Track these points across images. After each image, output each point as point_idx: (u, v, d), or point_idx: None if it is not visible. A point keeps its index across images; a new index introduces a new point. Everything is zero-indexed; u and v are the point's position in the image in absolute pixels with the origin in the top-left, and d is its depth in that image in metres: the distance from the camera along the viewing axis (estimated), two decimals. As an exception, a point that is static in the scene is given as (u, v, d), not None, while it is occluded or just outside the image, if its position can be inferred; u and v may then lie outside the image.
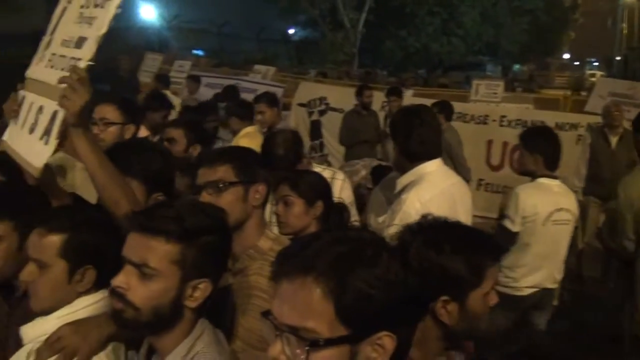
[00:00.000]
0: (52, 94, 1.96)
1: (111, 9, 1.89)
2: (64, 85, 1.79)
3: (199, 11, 23.78)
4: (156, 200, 1.99)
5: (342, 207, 2.83)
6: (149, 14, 20.14)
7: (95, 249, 1.62)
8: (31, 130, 2.04)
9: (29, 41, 2.37)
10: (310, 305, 1.01)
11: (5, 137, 2.26)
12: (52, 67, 2.11)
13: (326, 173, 3.10)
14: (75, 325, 1.54)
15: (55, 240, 1.60)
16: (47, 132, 1.91)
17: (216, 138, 4.76)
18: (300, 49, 29.50)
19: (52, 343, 1.50)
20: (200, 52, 18.40)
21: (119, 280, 1.38)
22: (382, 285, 1.02)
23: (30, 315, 1.68)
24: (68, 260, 1.60)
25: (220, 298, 1.64)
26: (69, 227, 1.61)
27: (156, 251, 1.37)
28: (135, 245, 1.39)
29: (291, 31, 31.40)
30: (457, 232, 1.56)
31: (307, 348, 1.00)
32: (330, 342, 1.00)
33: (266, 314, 1.08)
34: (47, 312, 1.61)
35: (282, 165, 2.83)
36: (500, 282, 3.33)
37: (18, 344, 1.67)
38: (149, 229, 1.38)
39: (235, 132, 4.59)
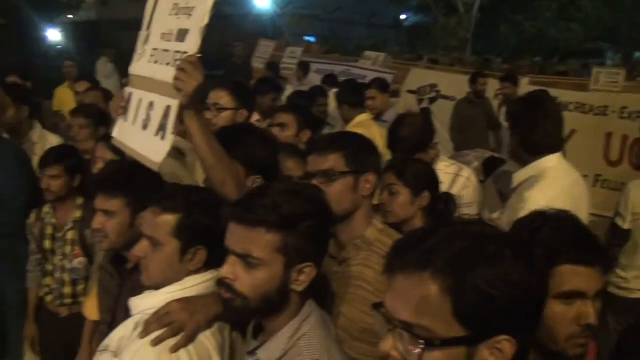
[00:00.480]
0: (161, 89, 2.00)
1: None
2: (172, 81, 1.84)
3: (312, -2, 24.10)
4: (254, 183, 2.04)
5: (448, 198, 2.73)
6: (263, 1, 20.62)
7: (207, 230, 1.67)
8: (144, 127, 2.09)
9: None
10: (426, 302, 0.97)
11: (115, 133, 2.36)
12: (156, 62, 2.14)
13: (451, 169, 3.02)
14: (184, 302, 1.60)
15: (169, 219, 1.67)
16: (162, 127, 1.95)
17: (326, 124, 4.76)
18: (411, 35, 29.00)
19: (160, 317, 1.56)
20: (311, 39, 18.60)
21: (225, 272, 1.42)
22: (504, 286, 0.96)
23: (139, 288, 1.79)
24: (181, 239, 1.66)
25: (322, 285, 1.64)
26: (183, 208, 1.68)
27: (258, 242, 1.39)
28: (237, 237, 1.42)
29: (403, 17, 30.93)
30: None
31: (421, 347, 0.96)
32: (446, 343, 0.96)
33: (378, 306, 1.05)
34: (157, 287, 1.70)
35: (403, 148, 2.78)
36: (612, 281, 3.13)
37: (126, 314, 1.76)
38: (248, 221, 1.40)
39: (346, 119, 4.55)
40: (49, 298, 3.11)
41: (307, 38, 18.08)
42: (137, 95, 2.23)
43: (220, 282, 1.44)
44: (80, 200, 3.05)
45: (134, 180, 2.01)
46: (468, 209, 2.93)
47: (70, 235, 3.03)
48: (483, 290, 0.95)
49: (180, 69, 1.81)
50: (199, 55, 1.84)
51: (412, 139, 2.86)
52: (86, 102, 4.25)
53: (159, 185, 1.97)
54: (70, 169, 3.01)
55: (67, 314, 3.07)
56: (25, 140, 3.80)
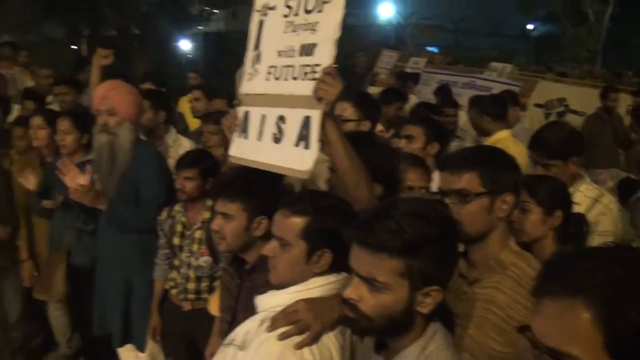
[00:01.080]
0: (293, 102, 2.08)
1: (336, 12, 1.94)
2: (309, 94, 1.93)
3: (436, 7, 23.71)
4: (374, 191, 2.09)
5: (581, 221, 2.56)
6: (386, 11, 20.64)
7: (334, 233, 1.71)
8: (277, 140, 2.15)
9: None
10: (576, 330, 0.91)
11: (233, 152, 2.42)
12: (277, 78, 2.20)
13: (592, 192, 2.79)
14: (310, 302, 1.65)
15: (298, 222, 1.74)
16: (302, 137, 2.02)
17: (455, 136, 4.63)
18: (539, 46, 27.78)
19: (287, 314, 1.63)
20: (434, 49, 18.34)
21: (349, 292, 1.42)
22: None
23: (257, 288, 1.90)
24: (308, 241, 1.73)
25: (447, 303, 1.60)
26: (312, 211, 1.74)
27: (381, 267, 1.37)
28: (361, 260, 1.41)
29: (530, 26, 29.70)
30: None
31: None
32: None
33: (523, 329, 1.01)
34: (282, 286, 1.76)
35: (544, 151, 2.67)
36: None
37: (246, 312, 1.87)
38: (371, 246, 1.38)
39: (485, 132, 4.33)
40: (173, 291, 3.26)
41: (430, 48, 17.84)
42: (257, 113, 2.29)
43: (345, 302, 1.45)
44: (209, 202, 3.16)
45: (252, 187, 2.13)
46: (602, 237, 2.71)
47: (198, 234, 3.17)
48: (639, 324, 0.87)
49: (320, 80, 1.90)
50: (335, 66, 1.92)
51: (555, 146, 2.73)
52: (213, 109, 4.47)
53: (277, 192, 2.07)
54: (204, 173, 3.15)
55: (190, 308, 3.20)
56: (160, 143, 4.01)
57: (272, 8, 2.30)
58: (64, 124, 3.71)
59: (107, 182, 3.38)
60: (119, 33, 15.20)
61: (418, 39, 19.88)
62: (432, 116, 3.77)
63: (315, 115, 1.96)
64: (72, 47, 16.55)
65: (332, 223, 1.73)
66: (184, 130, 4.56)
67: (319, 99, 1.91)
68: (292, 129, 2.07)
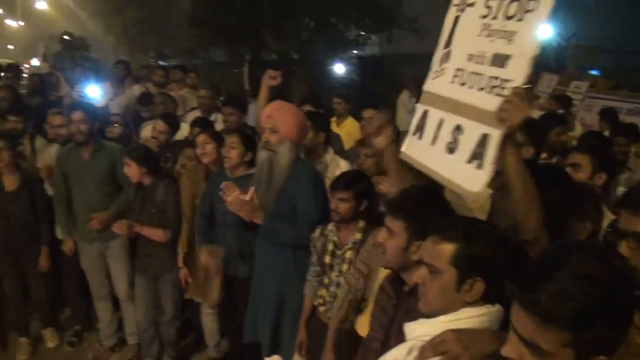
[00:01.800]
0: (473, 114, 1.95)
1: (535, 24, 1.77)
2: (492, 110, 1.80)
3: (598, 28, 22.24)
4: None
5: None
6: (546, 32, 19.73)
7: (486, 261, 1.63)
8: (450, 150, 2.06)
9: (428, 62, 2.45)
10: None
11: (405, 148, 2.37)
12: (463, 84, 2.06)
13: None
14: (460, 333, 1.58)
15: (448, 248, 1.68)
16: (476, 155, 1.91)
17: (626, 168, 4.30)
18: None
19: (435, 344, 1.57)
20: (596, 72, 17.19)
21: (509, 351, 1.32)
22: None
23: (413, 312, 1.83)
24: (458, 269, 1.66)
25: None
26: (463, 237, 1.67)
27: (546, 336, 1.24)
28: (523, 322, 1.28)
29: None
30: None
31: None
32: None
33: None
34: (432, 315, 1.71)
35: None
36: None
37: (399, 335, 1.81)
38: (535, 314, 1.25)
39: None
40: (321, 309, 3.32)
41: (592, 71, 16.76)
42: (436, 115, 2.18)
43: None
44: (362, 224, 3.18)
45: (419, 209, 2.06)
46: None
47: (348, 254, 3.19)
48: None
49: (507, 100, 1.77)
50: (527, 86, 1.78)
51: None
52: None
53: (445, 216, 1.97)
54: (359, 195, 3.16)
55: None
56: (318, 162, 4.13)
57: (471, 4, 2.13)
58: (232, 139, 3.94)
59: (264, 196, 3.55)
60: (278, 57, 15.99)
61: (579, 61, 18.72)
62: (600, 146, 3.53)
63: (495, 135, 1.82)
64: (234, 70, 17.67)
65: (484, 251, 1.65)
66: (340, 151, 4.67)
67: (502, 120, 1.78)
68: (467, 143, 1.95)
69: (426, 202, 2.09)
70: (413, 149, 2.31)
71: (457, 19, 2.21)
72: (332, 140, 4.58)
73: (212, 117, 5.90)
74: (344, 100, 6.58)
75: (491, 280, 1.62)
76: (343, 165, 4.12)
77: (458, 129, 2.03)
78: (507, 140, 1.81)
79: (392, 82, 12.49)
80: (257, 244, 3.73)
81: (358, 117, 5.89)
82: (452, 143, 2.05)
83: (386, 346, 1.89)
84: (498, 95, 1.84)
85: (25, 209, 4.75)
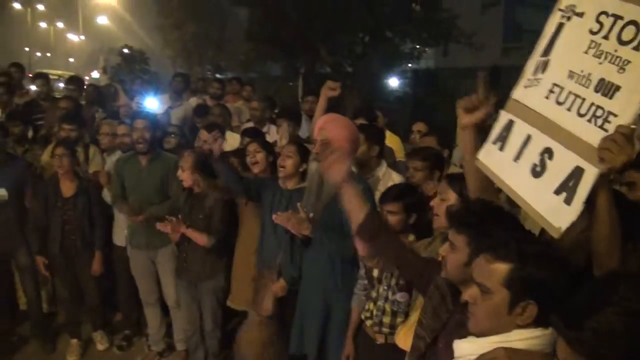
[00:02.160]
0: (569, 142, 1.76)
1: None
2: (591, 143, 1.63)
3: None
4: None
5: None
6: None
7: (541, 284, 1.56)
8: (535, 173, 1.88)
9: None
10: None
11: (481, 156, 2.18)
12: (560, 103, 1.86)
13: None
14: (512, 352, 1.54)
15: (501, 268, 1.61)
16: (566, 188, 1.72)
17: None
18: None
19: None
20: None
21: None
22: None
23: (464, 327, 1.76)
24: (511, 290, 1.59)
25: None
26: (517, 258, 1.60)
27: None
28: (569, 357, 1.23)
29: None
30: None
31: None
32: None
33: None
34: (481, 335, 1.65)
35: None
36: None
37: (447, 345, 1.79)
38: (580, 352, 1.21)
39: None
40: (368, 322, 3.27)
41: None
42: (523, 129, 1.99)
43: None
44: (412, 237, 3.14)
45: (483, 225, 1.95)
46: None
47: (397, 268, 3.16)
48: None
49: (611, 139, 1.58)
50: (633, 127, 1.58)
51: None
52: (422, 145, 4.48)
53: (510, 235, 1.83)
54: (408, 207, 3.13)
55: (383, 341, 3.19)
56: (371, 175, 4.09)
57: (579, 14, 1.90)
58: (289, 148, 3.96)
59: (314, 208, 3.53)
60: (332, 70, 16.10)
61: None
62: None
63: (591, 173, 1.63)
64: (289, 83, 17.90)
65: (539, 273, 1.57)
66: (393, 164, 4.62)
67: (602, 160, 1.60)
68: (557, 171, 1.77)
69: (491, 217, 1.97)
70: (491, 158, 2.13)
71: (560, 26, 1.98)
72: (386, 154, 4.52)
73: (265, 129, 5.96)
74: (382, 114, 6.55)
75: (545, 303, 1.55)
76: (396, 179, 4.06)
77: (548, 152, 1.84)
78: (602, 179, 1.65)
79: (447, 96, 12.34)
80: (305, 256, 3.72)
81: (410, 130, 5.83)
82: (538, 166, 1.86)
83: (431, 350, 1.84)
84: (601, 128, 1.66)
85: (81, 215, 4.92)
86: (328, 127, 3.50)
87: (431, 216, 2.83)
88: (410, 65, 18.46)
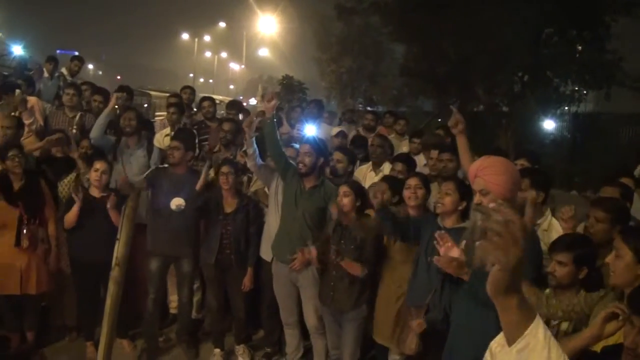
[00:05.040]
0: None
1: None
2: None
3: None
4: None
5: None
6: None
7: None
8: None
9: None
10: None
11: None
12: None
13: None
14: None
15: None
16: None
17: None
18: None
19: None
20: None
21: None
22: None
23: None
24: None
25: None
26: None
27: None
28: None
29: None
30: None
31: None
32: None
33: None
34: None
35: None
36: None
37: None
38: None
39: None
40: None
41: None
42: None
43: None
44: (583, 293, 2.95)
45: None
46: None
47: (564, 326, 2.98)
48: None
49: None
50: None
51: None
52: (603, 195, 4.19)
53: None
54: (579, 259, 2.95)
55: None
56: (535, 225, 3.86)
57: None
58: (448, 185, 3.89)
59: (473, 253, 3.39)
60: (486, 109, 15.69)
61: None
62: None
63: None
64: (438, 120, 17.70)
65: None
66: (553, 211, 4.35)
67: None
68: None
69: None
70: None
71: None
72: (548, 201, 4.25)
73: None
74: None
75: None
76: (560, 229, 3.79)
77: None
78: None
79: (611, 143, 11.50)
80: (458, 301, 3.57)
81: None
82: None
83: None
84: None
85: (239, 231, 5.17)
86: (482, 175, 3.14)
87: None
88: (566, 108, 17.47)
